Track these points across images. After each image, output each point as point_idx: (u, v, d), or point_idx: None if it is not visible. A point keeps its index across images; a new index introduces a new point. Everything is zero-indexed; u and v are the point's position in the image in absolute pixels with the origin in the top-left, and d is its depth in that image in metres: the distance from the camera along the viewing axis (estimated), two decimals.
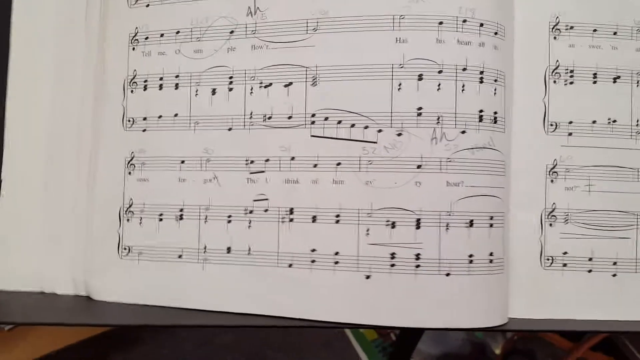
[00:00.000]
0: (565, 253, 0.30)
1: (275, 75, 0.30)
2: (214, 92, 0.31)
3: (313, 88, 0.29)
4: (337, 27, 0.29)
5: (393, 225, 0.28)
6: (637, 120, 0.31)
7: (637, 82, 0.31)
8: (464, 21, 0.28)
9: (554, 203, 0.30)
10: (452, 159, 0.28)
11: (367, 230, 0.28)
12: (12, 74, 0.34)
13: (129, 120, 0.32)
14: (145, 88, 0.32)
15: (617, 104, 0.31)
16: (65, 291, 0.33)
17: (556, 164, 0.30)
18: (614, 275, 0.30)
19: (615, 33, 0.31)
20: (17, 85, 0.34)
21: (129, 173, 0.32)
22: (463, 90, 0.28)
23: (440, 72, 0.28)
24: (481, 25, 0.28)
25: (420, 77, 0.28)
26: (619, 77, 0.31)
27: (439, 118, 0.28)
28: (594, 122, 0.31)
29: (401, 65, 0.28)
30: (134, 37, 0.32)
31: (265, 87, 0.30)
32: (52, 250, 0.33)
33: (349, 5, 0.29)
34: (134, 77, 0.32)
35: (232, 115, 0.30)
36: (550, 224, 0.30)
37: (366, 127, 0.28)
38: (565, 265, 0.30)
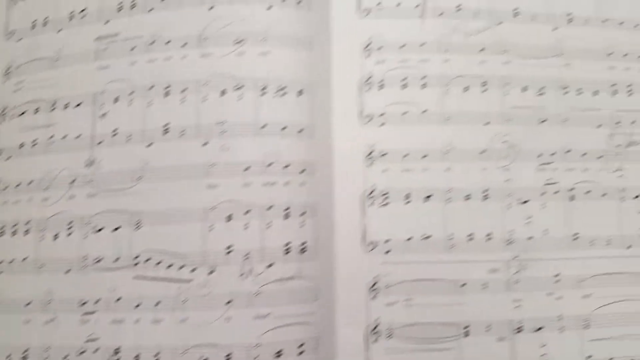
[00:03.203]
0: None
1: (105, 220, 0.33)
2: (55, 237, 0.33)
3: (136, 232, 0.32)
4: (158, 176, 0.32)
5: None
6: (452, 234, 0.34)
7: (448, 199, 0.34)
8: (269, 165, 0.32)
9: (376, 319, 0.32)
10: (260, 292, 0.30)
11: None
12: None
13: None
14: (2, 234, 0.35)
15: (429, 220, 0.34)
16: None
17: (377, 281, 0.33)
18: None
19: (425, 156, 0.35)
20: None
21: None
22: (269, 227, 0.31)
23: (247, 212, 0.31)
24: (286, 166, 0.32)
25: (229, 218, 0.31)
26: (430, 196, 0.34)
27: (247, 254, 0.31)
28: (409, 239, 0.33)
29: (213, 208, 0.31)
30: None
31: (98, 231, 0.33)
32: None
33: (169, 156, 0.33)
34: None
35: (70, 258, 0.33)
36: (375, 340, 0.32)
37: (181, 267, 0.31)
38: None
